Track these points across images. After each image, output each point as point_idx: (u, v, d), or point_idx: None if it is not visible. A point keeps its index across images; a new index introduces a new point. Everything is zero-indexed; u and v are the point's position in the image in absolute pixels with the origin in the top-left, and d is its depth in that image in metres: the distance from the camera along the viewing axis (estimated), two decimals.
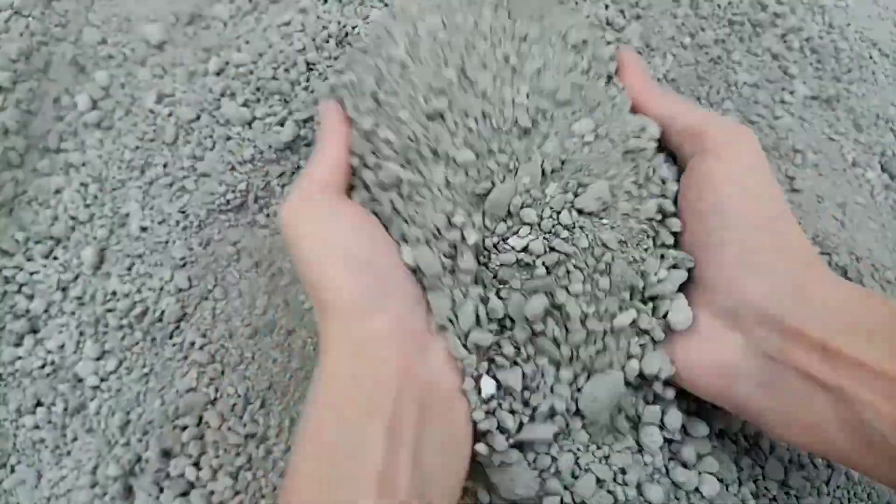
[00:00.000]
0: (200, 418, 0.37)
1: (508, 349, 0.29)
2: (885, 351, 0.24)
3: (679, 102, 0.31)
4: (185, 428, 0.37)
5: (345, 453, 0.25)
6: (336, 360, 0.27)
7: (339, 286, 0.27)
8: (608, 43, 0.35)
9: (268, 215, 0.42)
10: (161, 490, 0.36)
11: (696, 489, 0.32)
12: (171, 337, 0.39)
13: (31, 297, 0.41)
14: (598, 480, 0.31)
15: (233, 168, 0.42)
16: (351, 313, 0.27)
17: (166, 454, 0.37)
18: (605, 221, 0.29)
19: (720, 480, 0.32)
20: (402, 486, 0.24)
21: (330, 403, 0.26)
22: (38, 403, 0.39)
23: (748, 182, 0.28)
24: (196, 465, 0.36)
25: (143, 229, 0.41)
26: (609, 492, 0.31)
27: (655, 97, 0.31)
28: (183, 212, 0.41)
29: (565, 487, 0.31)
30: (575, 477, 0.31)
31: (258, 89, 0.43)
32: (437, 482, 0.26)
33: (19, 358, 0.40)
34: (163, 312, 0.39)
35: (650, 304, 0.30)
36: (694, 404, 0.35)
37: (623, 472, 0.32)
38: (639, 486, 0.31)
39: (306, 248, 0.28)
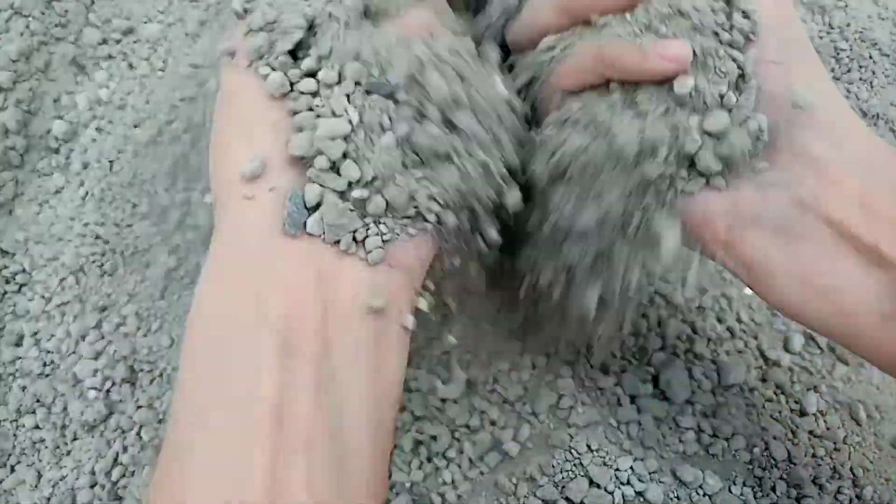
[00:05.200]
0: None
1: None
2: None
3: None
4: None
5: (234, 368, 0.21)
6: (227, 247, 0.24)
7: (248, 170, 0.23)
8: None
9: None
10: None
11: (699, 487, 0.32)
12: (171, 335, 0.39)
13: (30, 298, 0.41)
14: (594, 483, 0.31)
15: None
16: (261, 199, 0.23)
17: None
18: None
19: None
20: (302, 422, 0.21)
21: (215, 299, 0.23)
22: (38, 403, 0.39)
23: (804, 45, 0.25)
24: None
25: (144, 229, 0.41)
26: (608, 492, 0.31)
27: None
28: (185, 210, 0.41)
29: (562, 490, 0.31)
30: (570, 479, 0.31)
31: None
32: (354, 406, 0.22)
33: (19, 358, 0.39)
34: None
35: None
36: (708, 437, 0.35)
37: (624, 470, 0.32)
38: (638, 489, 0.31)
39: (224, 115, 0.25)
